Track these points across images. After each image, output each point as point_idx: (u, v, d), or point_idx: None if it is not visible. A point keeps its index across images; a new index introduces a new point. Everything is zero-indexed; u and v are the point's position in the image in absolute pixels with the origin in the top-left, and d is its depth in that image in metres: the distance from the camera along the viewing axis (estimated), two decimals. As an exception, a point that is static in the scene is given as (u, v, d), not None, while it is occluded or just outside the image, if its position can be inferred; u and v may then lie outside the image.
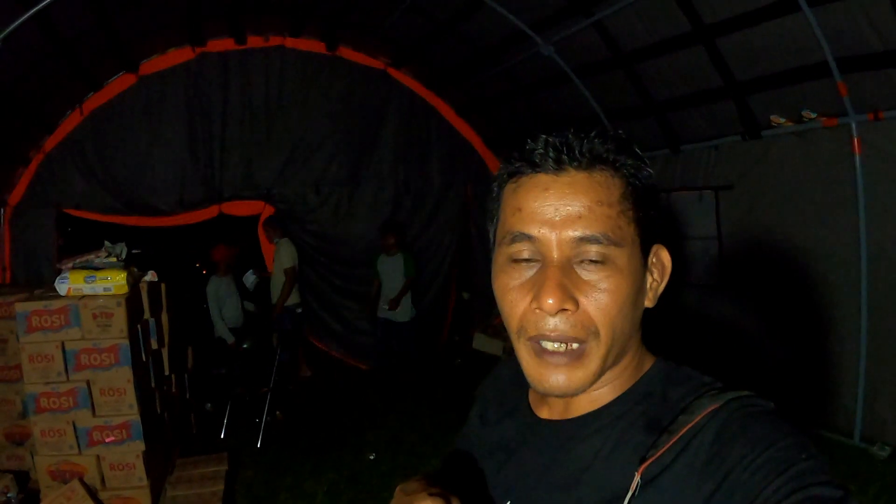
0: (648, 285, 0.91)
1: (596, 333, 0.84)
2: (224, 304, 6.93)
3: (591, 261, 0.84)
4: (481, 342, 8.72)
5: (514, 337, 0.90)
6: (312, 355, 7.96)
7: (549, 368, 0.86)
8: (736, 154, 5.72)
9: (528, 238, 0.86)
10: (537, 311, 0.84)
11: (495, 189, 0.95)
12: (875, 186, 4.66)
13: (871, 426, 4.92)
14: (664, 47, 5.39)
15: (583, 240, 0.83)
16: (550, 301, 0.81)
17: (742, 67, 5.07)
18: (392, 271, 7.46)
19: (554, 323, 0.84)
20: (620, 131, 0.89)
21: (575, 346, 0.85)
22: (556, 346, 0.85)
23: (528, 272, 0.87)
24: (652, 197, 0.90)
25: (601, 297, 0.83)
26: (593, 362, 0.85)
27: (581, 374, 0.85)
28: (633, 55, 5.74)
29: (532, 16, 6.05)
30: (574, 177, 0.85)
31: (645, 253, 0.89)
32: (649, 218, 0.89)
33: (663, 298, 0.94)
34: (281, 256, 7.27)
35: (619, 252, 0.84)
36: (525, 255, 0.87)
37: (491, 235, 0.96)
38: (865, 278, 4.78)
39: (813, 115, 4.90)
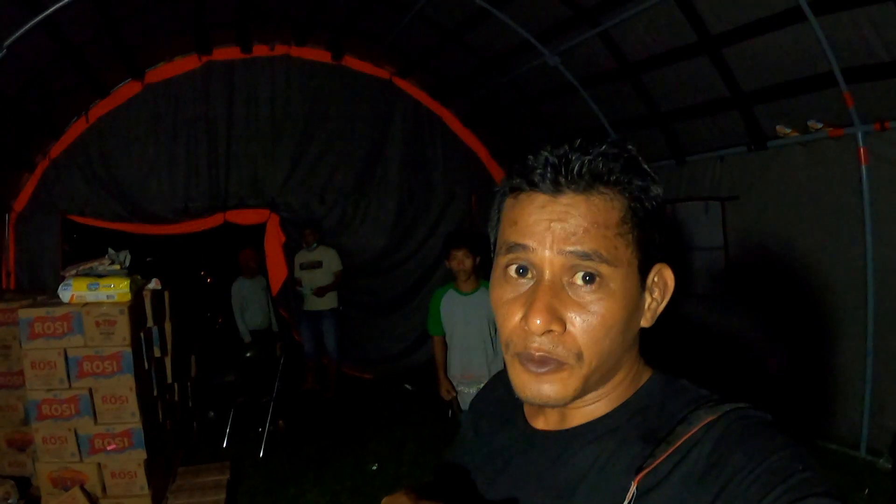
0: (647, 305, 0.90)
1: (580, 356, 0.84)
2: (248, 306, 7.13)
3: (584, 281, 0.83)
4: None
5: (503, 348, 0.90)
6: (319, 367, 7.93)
7: (531, 378, 0.86)
8: (742, 165, 5.70)
9: (523, 248, 0.85)
10: (525, 328, 0.84)
11: (497, 198, 0.95)
12: (881, 196, 4.64)
13: (877, 438, 4.87)
14: (670, 57, 5.39)
15: (573, 254, 0.82)
16: (538, 322, 0.81)
17: (748, 78, 5.06)
18: None
19: (539, 342, 0.84)
20: (631, 147, 0.87)
21: (556, 364, 0.84)
22: (539, 357, 0.85)
23: (523, 287, 0.87)
24: (657, 217, 0.88)
25: (590, 320, 0.83)
26: (574, 380, 0.85)
27: (560, 387, 0.85)
28: (638, 65, 5.74)
29: (538, 26, 6.05)
30: (571, 199, 0.83)
31: (644, 273, 0.87)
32: (651, 238, 0.87)
33: (668, 310, 0.93)
34: (330, 260, 7.45)
35: (611, 271, 0.83)
36: (520, 265, 0.87)
37: (492, 243, 0.96)
38: (872, 288, 4.75)
39: (819, 126, 4.88)
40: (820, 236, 5.10)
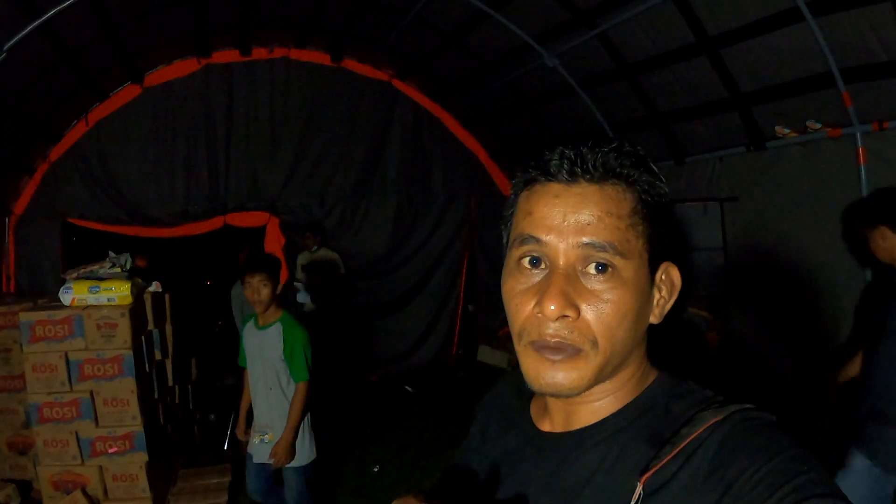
0: (655, 302, 0.92)
1: (594, 342, 0.85)
2: (248, 308, 7.02)
3: (597, 271, 0.85)
4: (486, 354, 8.70)
5: (515, 340, 0.91)
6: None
7: (546, 365, 0.86)
8: (741, 165, 5.70)
9: (536, 241, 0.87)
10: (539, 315, 0.86)
11: (512, 195, 0.97)
12: (880, 197, 4.64)
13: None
14: (668, 58, 5.39)
15: (588, 245, 0.84)
16: (552, 307, 0.83)
17: (746, 78, 5.07)
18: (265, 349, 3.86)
19: (554, 328, 0.85)
20: (639, 147, 0.90)
21: (572, 351, 0.85)
22: (555, 343, 0.86)
23: (535, 278, 0.88)
24: (664, 214, 0.91)
25: (603, 308, 0.84)
26: (589, 368, 0.86)
27: (576, 375, 0.86)
28: (637, 66, 5.75)
29: (537, 28, 6.07)
30: (585, 188, 0.86)
31: (653, 269, 0.90)
32: (660, 234, 0.90)
33: (673, 310, 0.94)
34: (335, 262, 7.56)
35: (624, 263, 0.85)
36: (533, 257, 0.88)
37: (504, 240, 0.98)
38: (871, 287, 4.75)
39: (818, 126, 4.89)
40: (819, 236, 5.10)
